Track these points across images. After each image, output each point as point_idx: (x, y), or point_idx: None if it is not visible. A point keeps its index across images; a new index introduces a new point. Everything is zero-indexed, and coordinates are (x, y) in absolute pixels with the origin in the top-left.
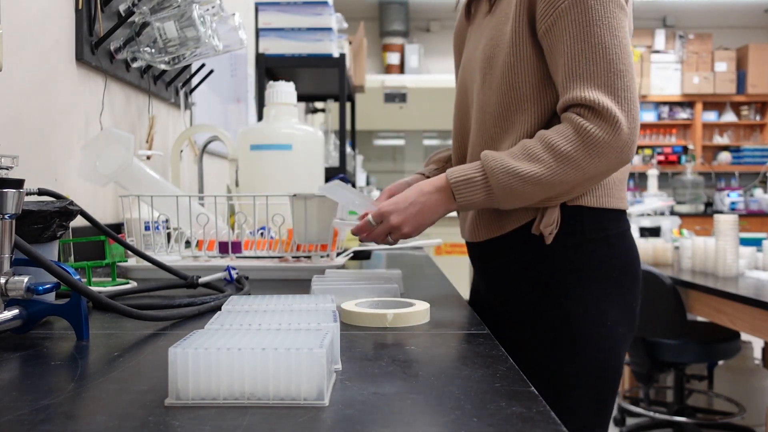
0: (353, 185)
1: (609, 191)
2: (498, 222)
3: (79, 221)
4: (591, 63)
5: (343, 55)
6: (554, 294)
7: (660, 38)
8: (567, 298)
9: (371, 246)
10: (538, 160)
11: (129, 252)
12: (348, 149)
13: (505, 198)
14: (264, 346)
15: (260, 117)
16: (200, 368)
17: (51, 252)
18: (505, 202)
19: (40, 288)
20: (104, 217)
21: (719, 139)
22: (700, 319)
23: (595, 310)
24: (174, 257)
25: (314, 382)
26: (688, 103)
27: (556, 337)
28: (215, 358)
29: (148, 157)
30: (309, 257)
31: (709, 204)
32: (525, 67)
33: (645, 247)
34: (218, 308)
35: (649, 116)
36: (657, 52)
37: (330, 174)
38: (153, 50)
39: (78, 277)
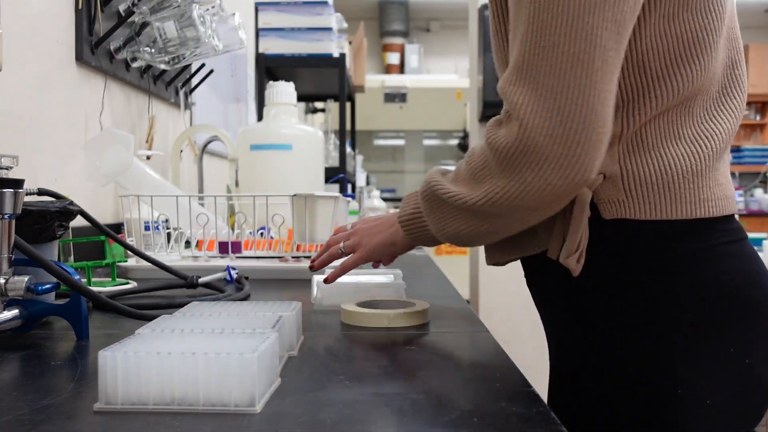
0: (353, 186)
1: (674, 191)
2: (516, 240)
3: (79, 221)
4: (516, 31)
5: (343, 55)
6: (601, 341)
7: None
8: (629, 348)
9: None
10: (458, 179)
11: (129, 252)
12: (348, 149)
13: (429, 218)
14: (195, 351)
15: (260, 117)
16: (130, 372)
17: (51, 252)
18: (432, 225)
19: (40, 288)
20: (104, 217)
21: None
22: None
23: (670, 379)
24: (174, 257)
25: (245, 388)
26: None
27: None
28: (144, 362)
29: (148, 157)
30: (309, 257)
31: None
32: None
33: None
34: None
35: None
36: None
37: (330, 174)
38: (153, 50)
39: (78, 277)
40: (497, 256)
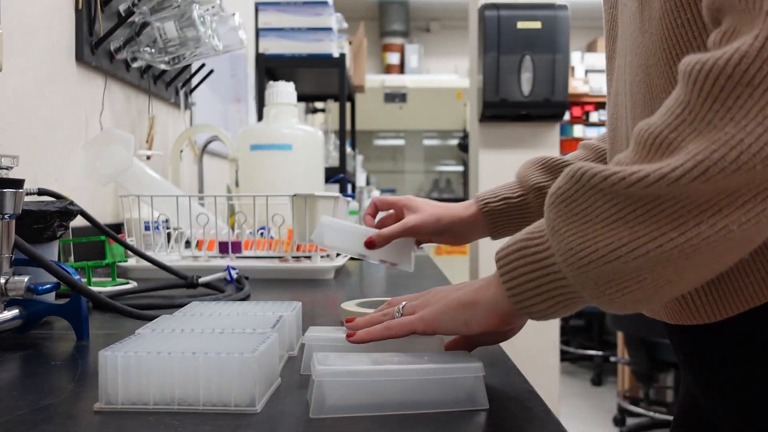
0: (353, 186)
1: None
2: (720, 293)
3: (79, 221)
4: None
5: (343, 55)
6: None
7: None
8: None
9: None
10: (624, 161)
11: (129, 252)
12: (348, 149)
13: (560, 233)
14: (195, 351)
15: (260, 117)
16: (130, 373)
17: (51, 252)
18: (563, 245)
19: (40, 288)
20: (104, 217)
21: None
22: None
23: None
24: (174, 257)
25: (245, 388)
26: None
27: None
28: (144, 362)
29: (148, 157)
30: (309, 257)
31: None
32: None
33: None
34: None
35: None
36: None
37: (330, 174)
38: (153, 50)
39: (78, 277)
40: (690, 313)
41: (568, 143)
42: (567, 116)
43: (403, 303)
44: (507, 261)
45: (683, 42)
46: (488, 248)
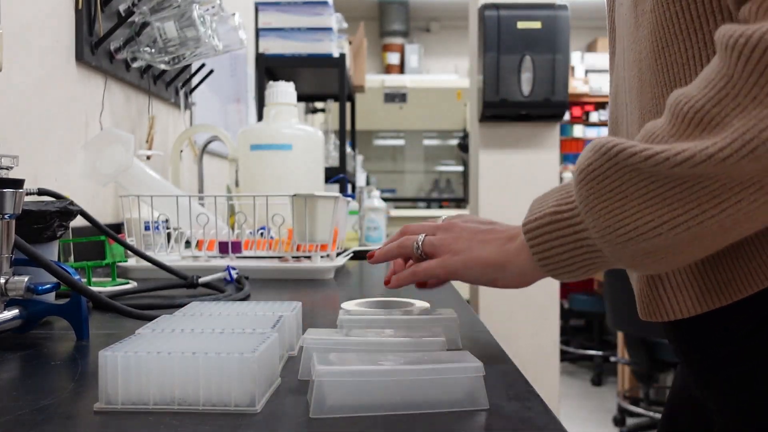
0: (353, 186)
1: None
2: (718, 281)
3: (79, 221)
4: None
5: (343, 55)
6: None
7: None
8: None
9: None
10: (657, 140)
11: (129, 252)
12: (348, 149)
13: (595, 210)
14: (195, 351)
15: (260, 117)
16: (130, 372)
17: (51, 252)
18: (599, 222)
19: (40, 288)
20: (104, 217)
21: None
22: None
23: None
24: (174, 257)
25: (245, 388)
26: None
27: None
28: (144, 362)
29: (148, 157)
30: (309, 257)
31: None
32: None
33: None
34: None
35: None
36: None
37: (330, 174)
38: (153, 50)
39: (78, 277)
40: (683, 305)
41: (568, 143)
42: (567, 116)
43: (422, 236)
44: (537, 234)
45: (670, 35)
46: None
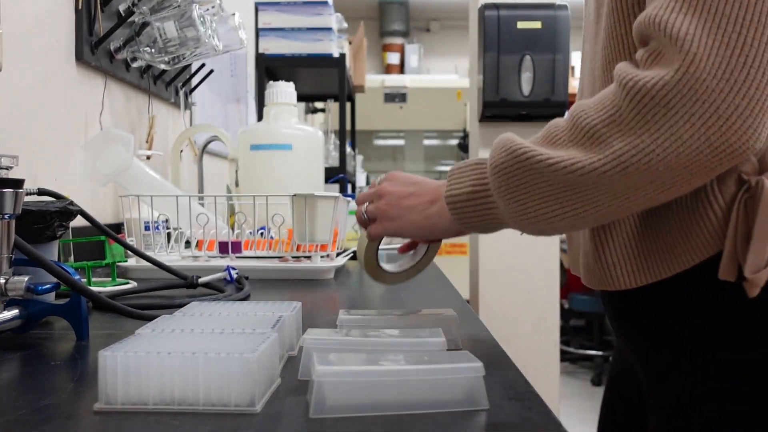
0: (353, 186)
1: None
2: (651, 253)
3: (79, 221)
4: None
5: (343, 55)
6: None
7: None
8: None
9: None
10: (557, 143)
11: (129, 252)
12: (348, 149)
13: (506, 198)
14: (195, 351)
15: (260, 117)
16: (130, 373)
17: (51, 252)
18: (509, 208)
19: (40, 288)
20: (104, 217)
21: None
22: None
23: None
24: (174, 257)
25: (245, 388)
26: None
27: None
28: (144, 362)
29: (148, 157)
30: (309, 257)
31: None
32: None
33: None
34: None
35: None
36: None
37: (330, 174)
38: (153, 50)
39: (78, 277)
40: (625, 276)
41: None
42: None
43: (365, 206)
44: (459, 207)
45: (615, 52)
46: (488, 248)
